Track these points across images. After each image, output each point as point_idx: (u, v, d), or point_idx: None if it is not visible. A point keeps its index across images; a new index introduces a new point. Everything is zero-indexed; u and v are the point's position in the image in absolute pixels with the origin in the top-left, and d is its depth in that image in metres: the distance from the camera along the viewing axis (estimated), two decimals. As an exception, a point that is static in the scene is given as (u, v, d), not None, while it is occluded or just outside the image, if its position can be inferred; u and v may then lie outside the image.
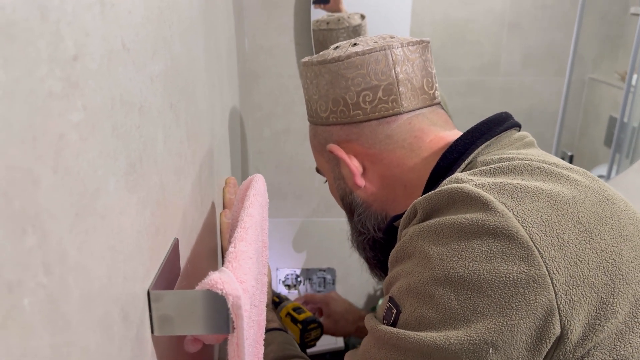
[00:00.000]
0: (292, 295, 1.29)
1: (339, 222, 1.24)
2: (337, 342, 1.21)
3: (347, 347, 1.22)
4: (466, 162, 0.56)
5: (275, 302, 1.08)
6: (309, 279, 1.29)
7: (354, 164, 0.64)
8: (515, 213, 0.44)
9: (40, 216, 0.22)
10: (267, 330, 0.79)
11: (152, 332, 0.37)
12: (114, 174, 0.30)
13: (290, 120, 1.18)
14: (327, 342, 1.19)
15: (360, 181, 0.64)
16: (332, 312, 1.05)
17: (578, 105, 1.28)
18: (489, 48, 1.21)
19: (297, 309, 1.04)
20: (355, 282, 1.33)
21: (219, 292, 0.35)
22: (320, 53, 0.65)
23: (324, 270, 1.30)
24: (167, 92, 0.41)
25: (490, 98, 1.25)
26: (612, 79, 1.27)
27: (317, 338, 1.03)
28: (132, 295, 0.33)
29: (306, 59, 0.66)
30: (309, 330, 1.01)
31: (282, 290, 1.29)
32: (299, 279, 1.29)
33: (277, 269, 1.28)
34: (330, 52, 0.63)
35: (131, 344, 0.33)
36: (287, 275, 1.28)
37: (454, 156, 0.57)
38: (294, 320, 1.01)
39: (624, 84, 1.21)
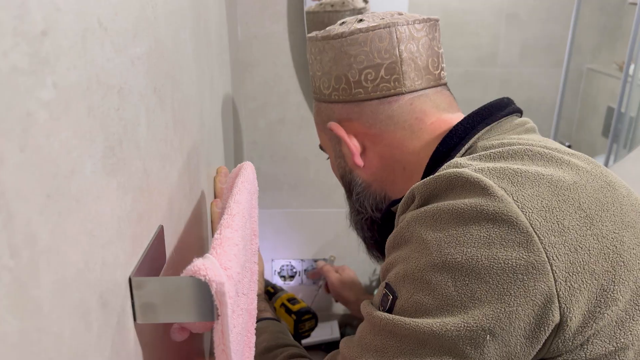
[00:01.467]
0: (288, 286, 1.29)
1: (335, 212, 1.23)
2: (333, 333, 1.20)
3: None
4: (466, 146, 0.55)
5: (270, 292, 1.08)
6: (305, 270, 1.28)
7: (354, 144, 0.63)
8: (515, 198, 0.43)
9: (5, 195, 0.21)
10: (260, 320, 0.79)
11: (135, 320, 0.36)
12: (90, 157, 0.29)
13: (285, 110, 1.17)
14: (322, 333, 1.18)
15: (359, 161, 0.63)
16: (345, 275, 1.09)
17: (576, 96, 1.27)
18: (486, 39, 1.19)
19: (291, 300, 1.03)
20: (351, 273, 1.32)
21: (202, 278, 0.34)
22: (327, 28, 0.64)
23: (320, 262, 1.30)
24: (150, 76, 0.40)
25: (488, 89, 1.24)
26: (610, 69, 1.26)
27: (312, 329, 1.03)
28: (112, 281, 0.32)
29: (312, 33, 0.65)
30: (303, 321, 1.00)
31: (278, 281, 1.29)
32: (294, 270, 1.28)
33: (272, 260, 1.27)
34: (336, 28, 0.62)
35: (111, 331, 0.32)
36: (283, 266, 1.28)
37: (454, 141, 0.56)
38: (288, 311, 1.01)
39: (622, 74, 1.20)
